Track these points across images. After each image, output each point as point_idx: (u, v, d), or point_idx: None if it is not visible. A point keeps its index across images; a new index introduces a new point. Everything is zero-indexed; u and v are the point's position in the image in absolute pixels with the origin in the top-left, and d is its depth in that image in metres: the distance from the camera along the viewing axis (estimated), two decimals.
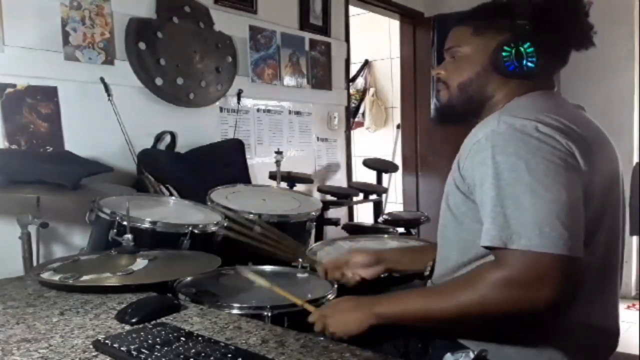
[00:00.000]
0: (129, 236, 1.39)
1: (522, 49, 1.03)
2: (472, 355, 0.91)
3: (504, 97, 1.08)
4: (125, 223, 1.42)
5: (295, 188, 2.46)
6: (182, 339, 0.88)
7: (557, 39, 1.04)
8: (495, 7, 1.11)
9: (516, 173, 0.88)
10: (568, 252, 0.84)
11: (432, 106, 4.03)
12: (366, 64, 5.12)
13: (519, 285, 0.86)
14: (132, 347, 0.85)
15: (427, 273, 1.26)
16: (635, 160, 3.28)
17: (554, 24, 1.03)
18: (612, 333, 1.05)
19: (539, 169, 0.88)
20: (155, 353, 0.83)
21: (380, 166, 3.34)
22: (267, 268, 1.65)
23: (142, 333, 0.91)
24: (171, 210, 1.81)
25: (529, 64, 1.03)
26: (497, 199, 0.89)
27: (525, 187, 0.87)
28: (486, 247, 0.91)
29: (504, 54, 1.04)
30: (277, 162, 2.32)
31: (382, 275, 1.48)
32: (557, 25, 1.03)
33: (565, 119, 0.95)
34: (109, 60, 2.09)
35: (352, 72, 4.37)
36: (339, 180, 3.30)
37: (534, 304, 0.86)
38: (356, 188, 3.07)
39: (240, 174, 2.42)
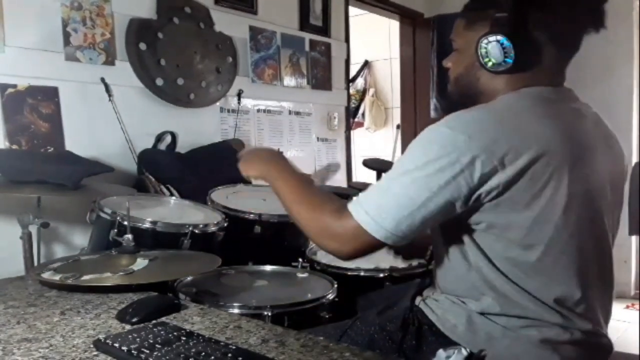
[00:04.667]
0: (129, 236, 1.39)
1: (498, 44, 1.00)
2: (464, 352, 0.91)
3: (501, 90, 1.06)
4: (125, 223, 1.42)
5: None
6: (183, 338, 0.89)
7: (535, 29, 1.00)
8: None
9: (405, 160, 0.96)
10: (370, 231, 0.95)
11: (432, 106, 4.03)
12: (366, 64, 5.12)
13: (334, 236, 1.01)
14: (132, 346, 0.85)
15: (427, 258, 1.27)
16: (635, 160, 3.28)
17: (538, 12, 1.00)
18: (603, 336, 1.06)
19: (418, 163, 0.93)
20: (156, 353, 0.83)
21: (380, 166, 3.33)
22: (267, 268, 1.66)
23: (142, 333, 0.91)
24: (171, 210, 1.81)
25: (507, 59, 1.00)
26: (384, 179, 0.99)
27: (399, 172, 0.96)
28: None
29: (481, 50, 1.02)
30: None
31: (382, 275, 1.50)
32: (540, 12, 1.00)
33: (530, 125, 0.95)
34: (110, 61, 2.10)
35: (352, 73, 4.37)
36: (339, 180, 3.31)
37: (333, 252, 1.03)
38: (356, 188, 3.06)
39: (240, 174, 2.42)
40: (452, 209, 0.94)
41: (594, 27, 1.01)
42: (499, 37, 1.00)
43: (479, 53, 1.03)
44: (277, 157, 1.25)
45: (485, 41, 1.01)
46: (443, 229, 1.07)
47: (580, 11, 1.01)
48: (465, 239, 1.01)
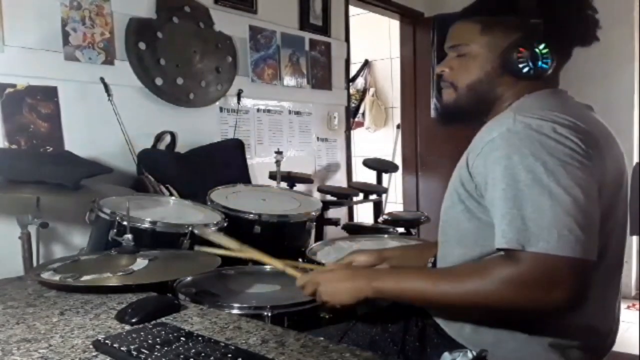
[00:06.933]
0: (129, 236, 1.39)
1: (537, 50, 1.00)
2: (470, 354, 0.90)
3: (512, 96, 1.06)
4: (125, 223, 1.42)
5: (295, 188, 2.46)
6: (182, 339, 0.88)
7: (563, 35, 1.02)
8: (500, 1, 1.07)
9: (533, 174, 0.87)
10: (583, 255, 0.84)
11: (433, 106, 4.03)
12: (366, 64, 5.12)
13: (532, 286, 0.85)
14: (132, 347, 0.85)
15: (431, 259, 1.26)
16: (635, 160, 3.28)
17: (559, 19, 1.01)
18: (612, 333, 1.05)
19: (556, 170, 0.86)
20: (155, 353, 0.83)
21: (380, 166, 3.34)
22: (267, 268, 1.65)
23: (142, 333, 0.91)
24: (171, 210, 1.81)
25: (544, 65, 1.01)
26: (514, 200, 0.88)
27: (543, 188, 0.86)
28: (500, 249, 0.90)
29: (519, 55, 1.02)
30: (277, 162, 2.32)
31: None
32: (562, 20, 1.01)
33: (577, 119, 0.94)
34: (109, 60, 2.09)
35: (352, 72, 4.37)
36: (339, 180, 3.30)
37: (545, 305, 0.86)
38: (356, 188, 3.06)
39: (240, 174, 2.42)
40: None
41: (588, 43, 1.05)
42: (538, 43, 1.00)
43: (511, 59, 1.02)
44: (362, 269, 1.13)
45: (524, 47, 1.01)
46: (454, 229, 1.05)
47: (579, 28, 1.04)
48: (477, 237, 0.99)
